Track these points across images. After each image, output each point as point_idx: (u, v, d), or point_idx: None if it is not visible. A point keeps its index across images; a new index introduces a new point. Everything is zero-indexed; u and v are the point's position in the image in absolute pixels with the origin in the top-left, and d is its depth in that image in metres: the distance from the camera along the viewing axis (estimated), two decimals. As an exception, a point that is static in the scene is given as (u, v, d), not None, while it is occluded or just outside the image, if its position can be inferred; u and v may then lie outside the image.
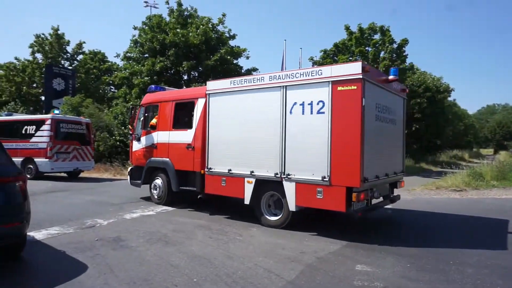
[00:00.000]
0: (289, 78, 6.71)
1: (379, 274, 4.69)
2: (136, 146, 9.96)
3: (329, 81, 6.19)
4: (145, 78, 21.40)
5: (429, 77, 27.71)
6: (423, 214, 8.60)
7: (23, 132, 14.74)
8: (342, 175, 6.05)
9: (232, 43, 24.01)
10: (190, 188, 8.50)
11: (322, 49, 23.06)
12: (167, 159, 8.97)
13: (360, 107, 5.88)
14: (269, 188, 7.05)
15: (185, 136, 8.65)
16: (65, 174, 15.77)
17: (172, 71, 22.69)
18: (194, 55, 22.45)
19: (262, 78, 7.09)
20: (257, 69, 24.94)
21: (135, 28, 23.89)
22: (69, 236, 6.17)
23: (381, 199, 7.34)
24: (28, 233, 5.31)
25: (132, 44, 23.48)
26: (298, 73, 6.63)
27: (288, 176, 6.66)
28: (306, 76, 6.51)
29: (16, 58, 31.71)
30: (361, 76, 5.89)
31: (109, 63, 36.85)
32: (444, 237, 6.55)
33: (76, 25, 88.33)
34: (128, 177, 10.29)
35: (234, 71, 22.76)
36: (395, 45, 22.62)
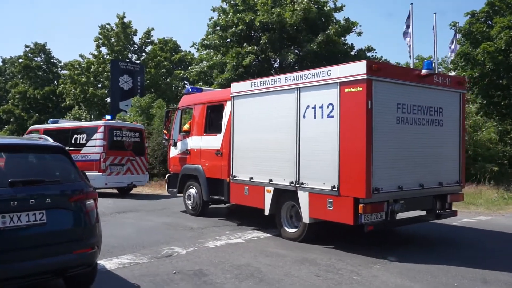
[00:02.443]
0: (302, 79, 8.01)
1: None
2: (173, 152, 12.08)
3: (337, 82, 7.33)
4: (228, 74, 22.09)
5: None
6: None
7: (73, 141, 16.27)
8: (349, 185, 7.13)
9: (338, 16, 23.86)
10: (219, 197, 10.33)
11: (469, 11, 21.43)
12: (199, 166, 10.88)
13: (364, 110, 6.88)
14: (287, 197, 8.42)
15: (215, 141, 10.45)
16: (115, 190, 17.09)
17: (260, 58, 23.23)
18: (290, 36, 22.67)
19: (279, 80, 8.55)
20: (373, 49, 24.35)
21: (213, 9, 25.01)
22: (143, 266, 6.69)
23: (422, 213, 8.48)
24: (98, 261, 5.86)
25: (210, 29, 24.59)
26: (310, 73, 7.88)
27: (302, 185, 7.96)
28: (317, 77, 7.72)
29: (80, 56, 35.79)
30: (365, 77, 6.87)
31: (182, 53, 39.35)
32: None
33: (142, 11, 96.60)
34: (166, 185, 12.52)
35: (343, 53, 22.48)
36: None
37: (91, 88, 32.57)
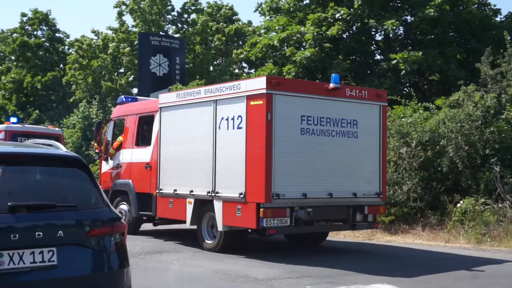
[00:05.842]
0: (218, 92, 11.82)
1: None
2: (104, 167, 15.71)
3: (245, 96, 10.99)
4: (311, 50, 22.22)
5: None
6: None
7: None
8: (253, 191, 10.54)
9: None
10: (148, 212, 13.82)
11: None
12: (129, 180, 14.39)
13: (264, 122, 10.39)
14: (208, 209, 11.89)
15: (144, 154, 14.07)
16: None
17: (355, 28, 23.18)
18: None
19: (199, 92, 12.60)
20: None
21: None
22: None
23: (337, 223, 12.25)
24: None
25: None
26: (224, 86, 11.82)
27: (217, 194, 11.49)
28: (229, 90, 11.49)
29: (93, 31, 36.85)
30: (265, 91, 10.47)
31: (240, 24, 39.70)
32: None
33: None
34: None
35: (480, 20, 21.97)
36: None
37: (106, 82, 32.94)
